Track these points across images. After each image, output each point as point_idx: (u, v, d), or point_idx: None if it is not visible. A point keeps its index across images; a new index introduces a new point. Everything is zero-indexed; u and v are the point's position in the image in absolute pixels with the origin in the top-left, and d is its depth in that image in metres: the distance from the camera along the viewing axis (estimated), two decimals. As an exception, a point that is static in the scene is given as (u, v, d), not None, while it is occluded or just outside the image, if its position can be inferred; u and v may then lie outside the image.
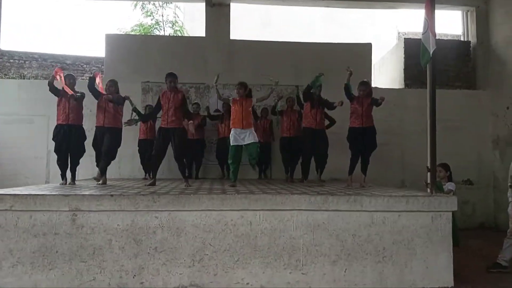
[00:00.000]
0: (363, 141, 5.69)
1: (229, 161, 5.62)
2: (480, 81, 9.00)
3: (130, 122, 6.23)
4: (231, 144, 5.50)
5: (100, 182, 5.65)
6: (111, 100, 5.66)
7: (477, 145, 8.63)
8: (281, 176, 7.69)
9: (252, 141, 5.46)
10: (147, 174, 7.60)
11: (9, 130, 7.79)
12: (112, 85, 5.82)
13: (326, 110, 6.46)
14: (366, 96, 5.75)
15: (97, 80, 5.92)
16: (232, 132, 5.52)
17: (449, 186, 5.08)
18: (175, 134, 5.42)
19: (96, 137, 5.75)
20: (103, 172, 5.72)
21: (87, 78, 8.60)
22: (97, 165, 5.79)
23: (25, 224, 3.92)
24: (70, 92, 5.49)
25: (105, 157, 5.69)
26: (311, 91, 6.16)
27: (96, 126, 5.76)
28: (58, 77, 5.57)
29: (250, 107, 5.62)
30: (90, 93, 5.76)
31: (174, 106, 5.41)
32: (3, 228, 3.91)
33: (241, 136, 5.45)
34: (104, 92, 5.81)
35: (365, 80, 5.89)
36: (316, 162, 6.43)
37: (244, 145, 5.47)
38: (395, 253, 4.22)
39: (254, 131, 5.55)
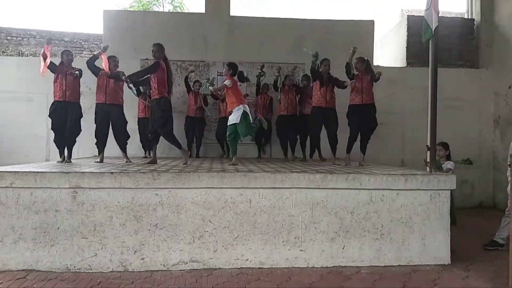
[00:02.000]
0: (362, 118, 5.68)
1: (233, 140, 5.56)
2: (483, 59, 8.90)
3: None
4: (238, 122, 5.38)
5: (128, 161, 5.81)
6: (110, 76, 5.61)
7: (478, 124, 8.62)
8: (281, 155, 7.69)
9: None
10: (146, 152, 7.63)
11: (8, 108, 7.77)
12: (112, 61, 5.78)
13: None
14: (365, 73, 5.72)
15: (104, 61, 5.73)
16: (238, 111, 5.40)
17: (448, 165, 5.10)
18: (157, 105, 5.26)
19: (98, 114, 5.70)
20: (125, 151, 5.92)
21: (86, 55, 8.55)
22: (97, 143, 5.80)
23: (26, 201, 3.95)
24: (107, 69, 5.59)
25: (122, 138, 5.84)
26: (316, 68, 6.05)
27: (97, 103, 5.71)
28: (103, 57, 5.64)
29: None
30: (89, 70, 5.70)
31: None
32: (4, 205, 3.94)
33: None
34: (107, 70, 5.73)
35: (362, 56, 5.85)
36: (329, 142, 6.18)
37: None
38: (393, 231, 4.26)
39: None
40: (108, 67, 5.61)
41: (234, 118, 5.38)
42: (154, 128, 5.23)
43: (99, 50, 5.82)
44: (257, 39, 8.27)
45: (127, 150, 5.98)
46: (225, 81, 5.44)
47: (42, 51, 5.57)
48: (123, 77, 5.41)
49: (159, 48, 5.24)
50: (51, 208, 3.97)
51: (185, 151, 5.51)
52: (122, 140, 5.90)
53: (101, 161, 5.73)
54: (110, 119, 5.71)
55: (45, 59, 5.50)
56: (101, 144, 5.81)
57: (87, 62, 5.69)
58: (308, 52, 6.01)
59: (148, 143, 7.05)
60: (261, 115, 7.24)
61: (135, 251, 4.02)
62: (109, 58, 5.76)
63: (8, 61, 8.14)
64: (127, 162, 5.76)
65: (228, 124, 5.47)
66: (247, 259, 4.12)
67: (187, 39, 8.20)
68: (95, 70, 5.71)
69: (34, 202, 3.96)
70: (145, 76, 5.32)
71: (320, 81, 6.03)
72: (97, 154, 5.91)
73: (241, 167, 5.05)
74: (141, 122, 7.50)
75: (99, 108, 5.69)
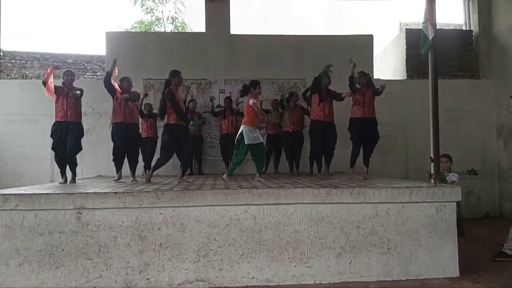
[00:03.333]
0: (364, 132, 5.70)
1: (239, 158, 5.62)
2: (483, 70, 8.94)
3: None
4: (247, 142, 5.45)
5: (134, 179, 5.95)
6: (128, 99, 5.75)
7: (481, 135, 8.60)
8: (288, 170, 7.68)
9: (261, 140, 5.61)
10: (147, 171, 7.63)
11: (13, 130, 7.81)
12: (127, 82, 5.95)
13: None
14: (367, 87, 5.77)
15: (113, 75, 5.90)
16: (248, 131, 5.46)
17: (452, 177, 5.08)
18: (186, 133, 5.51)
19: (116, 134, 5.80)
20: (134, 171, 6.08)
21: (89, 76, 8.64)
22: (113, 159, 5.92)
23: (30, 223, 3.95)
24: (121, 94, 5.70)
25: (133, 159, 6.05)
26: (322, 82, 6.09)
27: (114, 123, 5.82)
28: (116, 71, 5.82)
29: (248, 108, 5.57)
30: (106, 89, 5.80)
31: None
32: (9, 228, 3.94)
33: (256, 135, 5.53)
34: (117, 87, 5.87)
35: (363, 71, 5.90)
36: (325, 155, 6.35)
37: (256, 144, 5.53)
38: (400, 244, 4.22)
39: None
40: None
41: (252, 138, 5.45)
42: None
43: (111, 67, 5.89)
44: (257, 57, 8.34)
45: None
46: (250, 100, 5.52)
47: (45, 76, 5.64)
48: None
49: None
50: (55, 230, 3.96)
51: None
52: (136, 160, 6.06)
53: (119, 179, 5.88)
54: (128, 137, 5.82)
55: (45, 82, 5.56)
56: (120, 163, 5.95)
57: (104, 82, 5.76)
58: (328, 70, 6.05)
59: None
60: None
61: (140, 271, 4.00)
62: (122, 79, 5.90)
63: (12, 84, 8.23)
64: (132, 181, 5.80)
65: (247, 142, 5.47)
66: (253, 277, 4.08)
67: (188, 58, 8.27)
68: (111, 90, 5.80)
69: (38, 224, 3.96)
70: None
71: (319, 95, 6.07)
72: (115, 172, 6.02)
73: (245, 183, 5.05)
74: (143, 141, 7.49)
75: (117, 128, 5.78)
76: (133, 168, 6.07)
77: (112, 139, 5.85)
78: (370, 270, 4.18)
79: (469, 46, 9.10)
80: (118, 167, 5.95)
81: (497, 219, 8.16)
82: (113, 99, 5.84)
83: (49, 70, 5.67)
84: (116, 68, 5.86)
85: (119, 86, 5.93)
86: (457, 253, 4.26)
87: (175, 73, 5.38)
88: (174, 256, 4.03)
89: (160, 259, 4.02)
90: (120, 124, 5.77)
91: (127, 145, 5.86)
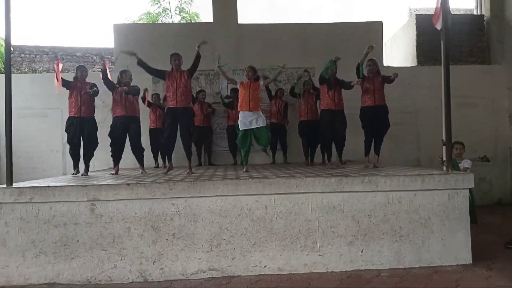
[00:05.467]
0: (375, 120, 5.65)
1: (239, 146, 5.67)
2: (494, 55, 8.79)
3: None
4: (240, 129, 5.51)
5: (143, 171, 5.94)
6: (128, 92, 5.70)
7: (493, 121, 8.49)
8: (298, 159, 7.67)
9: (261, 125, 5.45)
10: (157, 162, 7.69)
11: (24, 124, 7.90)
12: (126, 76, 5.87)
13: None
14: (376, 74, 5.70)
15: (107, 70, 5.88)
16: (240, 116, 5.51)
17: (465, 163, 5.03)
18: (184, 114, 5.41)
19: (115, 127, 5.74)
20: (142, 163, 6.05)
21: (98, 70, 8.67)
22: (112, 155, 5.85)
23: (45, 216, 4.02)
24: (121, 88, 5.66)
25: (139, 151, 5.97)
26: (326, 78, 6.02)
27: (115, 117, 5.75)
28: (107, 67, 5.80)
29: (257, 90, 5.56)
30: (105, 85, 5.79)
31: (182, 86, 5.41)
32: (25, 220, 4.01)
33: (249, 119, 5.43)
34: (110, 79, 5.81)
35: (372, 58, 5.82)
36: (336, 144, 6.22)
37: (253, 129, 5.46)
38: (412, 232, 4.21)
39: (262, 114, 5.54)
40: (59, 78, 5.60)
41: (263, 120, 5.51)
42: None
43: (102, 62, 5.98)
44: (265, 46, 8.29)
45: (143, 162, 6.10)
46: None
47: (56, 73, 5.69)
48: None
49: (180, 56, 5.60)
50: (70, 222, 4.02)
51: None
52: (140, 152, 6.01)
53: (116, 173, 5.78)
54: (128, 131, 5.78)
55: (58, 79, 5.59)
56: (117, 157, 5.85)
57: (102, 78, 5.75)
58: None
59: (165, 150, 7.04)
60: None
61: (154, 262, 4.05)
62: (122, 72, 5.85)
63: (22, 78, 8.30)
64: (142, 173, 5.82)
65: (259, 126, 5.48)
66: (265, 266, 4.11)
67: (196, 48, 8.23)
68: (110, 86, 5.78)
69: (53, 216, 4.02)
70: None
71: (328, 84, 6.01)
72: (113, 166, 5.96)
73: (255, 173, 5.06)
74: (152, 133, 7.53)
75: (117, 121, 5.73)
76: (140, 160, 6.05)
77: (111, 133, 5.77)
78: (382, 258, 4.18)
79: (480, 31, 8.93)
80: (116, 161, 5.85)
81: (510, 206, 8.10)
82: (112, 93, 5.80)
83: (55, 66, 5.70)
84: (106, 61, 5.87)
85: (119, 79, 5.88)
86: (469, 240, 4.25)
87: (170, 56, 5.54)
88: (187, 246, 4.07)
89: (173, 249, 4.06)
90: (121, 117, 5.72)
91: (125, 139, 5.82)
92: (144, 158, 6.17)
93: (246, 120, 5.44)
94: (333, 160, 6.38)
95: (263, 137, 5.51)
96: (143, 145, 6.09)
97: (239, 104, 5.56)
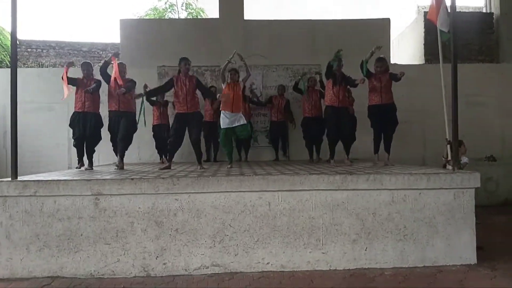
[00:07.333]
0: (383, 118, 5.61)
1: (222, 146, 5.88)
2: (503, 53, 8.69)
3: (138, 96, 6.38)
4: (222, 127, 5.66)
5: (119, 167, 5.72)
6: (125, 93, 5.63)
7: (501, 120, 8.39)
8: (300, 157, 7.65)
9: (242, 123, 5.63)
10: (162, 158, 7.69)
11: (30, 119, 7.93)
12: (122, 69, 5.85)
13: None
14: (384, 73, 5.65)
15: (114, 67, 5.74)
16: (222, 114, 5.63)
17: (464, 159, 5.14)
18: (194, 119, 5.47)
19: (111, 121, 5.77)
20: (122, 157, 5.82)
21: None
22: (114, 149, 5.89)
23: (49, 209, 4.03)
24: (120, 82, 5.59)
25: (121, 142, 5.77)
26: (333, 68, 5.96)
27: (110, 111, 5.77)
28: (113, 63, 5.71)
29: (240, 91, 5.75)
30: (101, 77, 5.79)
31: (191, 91, 5.44)
32: (29, 213, 4.03)
33: (231, 119, 5.59)
34: (119, 78, 5.68)
35: (381, 56, 5.78)
36: (342, 142, 6.11)
37: (234, 127, 5.61)
38: (417, 231, 4.18)
39: (242, 115, 5.73)
40: (118, 75, 5.63)
41: (243, 119, 5.70)
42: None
43: (110, 55, 5.85)
44: (272, 42, 8.26)
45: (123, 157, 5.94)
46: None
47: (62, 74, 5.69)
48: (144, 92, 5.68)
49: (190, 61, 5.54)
50: (74, 215, 4.04)
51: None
52: (124, 144, 5.81)
53: (122, 168, 5.77)
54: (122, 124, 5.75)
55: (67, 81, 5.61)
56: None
57: (100, 70, 5.76)
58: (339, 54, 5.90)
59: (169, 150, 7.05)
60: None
61: (157, 256, 4.05)
62: (118, 65, 5.82)
63: (29, 73, 8.34)
64: (116, 168, 5.72)
65: (240, 124, 5.66)
66: (268, 263, 4.10)
67: (202, 44, 8.24)
68: (106, 78, 5.76)
69: (57, 209, 4.03)
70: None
71: (333, 79, 5.95)
72: (117, 161, 5.96)
73: (259, 170, 5.05)
74: (156, 129, 7.54)
75: (112, 116, 5.75)
76: (122, 152, 5.83)
77: (108, 127, 5.79)
78: (386, 256, 4.15)
79: (489, 29, 8.85)
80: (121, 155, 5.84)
81: (517, 206, 8.02)
82: (108, 85, 5.79)
83: (64, 70, 5.70)
84: (115, 60, 5.78)
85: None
86: (474, 240, 4.21)
87: (180, 60, 5.50)
88: (190, 242, 4.07)
89: (176, 245, 4.06)
90: (115, 112, 5.72)
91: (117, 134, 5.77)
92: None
93: (228, 119, 5.60)
94: (344, 158, 6.32)
95: (243, 130, 5.70)
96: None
97: (222, 104, 5.65)
